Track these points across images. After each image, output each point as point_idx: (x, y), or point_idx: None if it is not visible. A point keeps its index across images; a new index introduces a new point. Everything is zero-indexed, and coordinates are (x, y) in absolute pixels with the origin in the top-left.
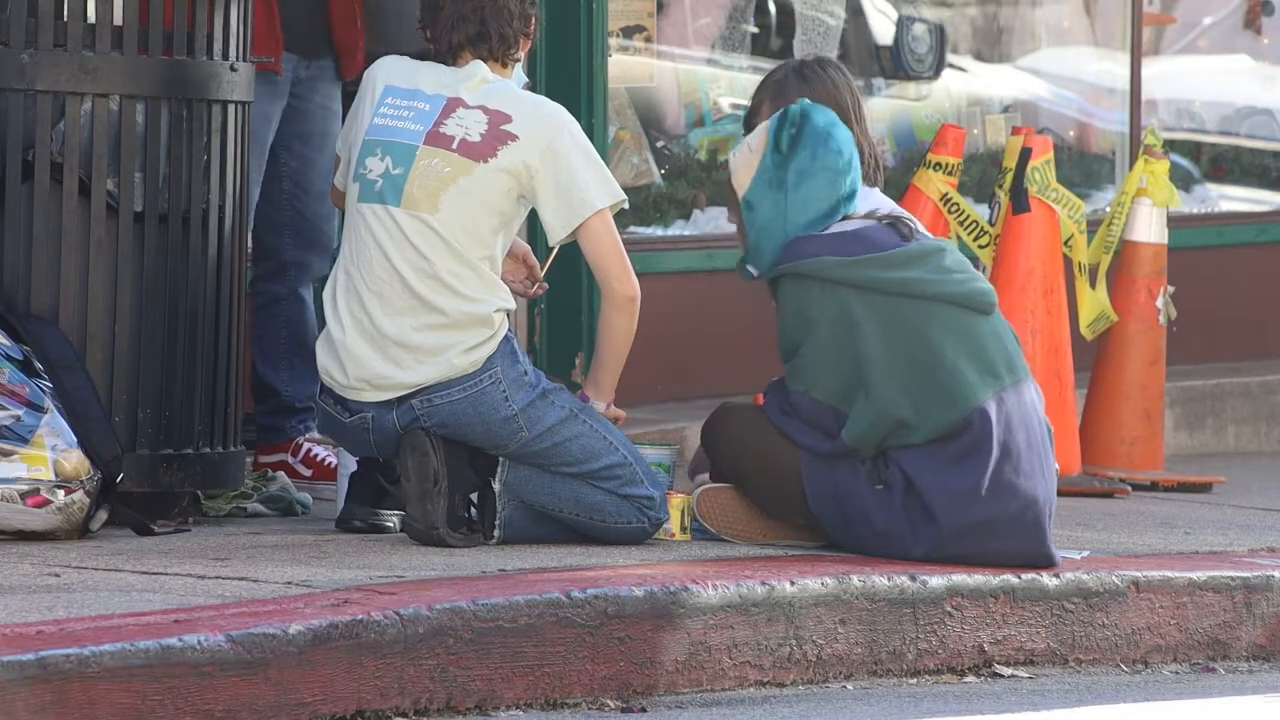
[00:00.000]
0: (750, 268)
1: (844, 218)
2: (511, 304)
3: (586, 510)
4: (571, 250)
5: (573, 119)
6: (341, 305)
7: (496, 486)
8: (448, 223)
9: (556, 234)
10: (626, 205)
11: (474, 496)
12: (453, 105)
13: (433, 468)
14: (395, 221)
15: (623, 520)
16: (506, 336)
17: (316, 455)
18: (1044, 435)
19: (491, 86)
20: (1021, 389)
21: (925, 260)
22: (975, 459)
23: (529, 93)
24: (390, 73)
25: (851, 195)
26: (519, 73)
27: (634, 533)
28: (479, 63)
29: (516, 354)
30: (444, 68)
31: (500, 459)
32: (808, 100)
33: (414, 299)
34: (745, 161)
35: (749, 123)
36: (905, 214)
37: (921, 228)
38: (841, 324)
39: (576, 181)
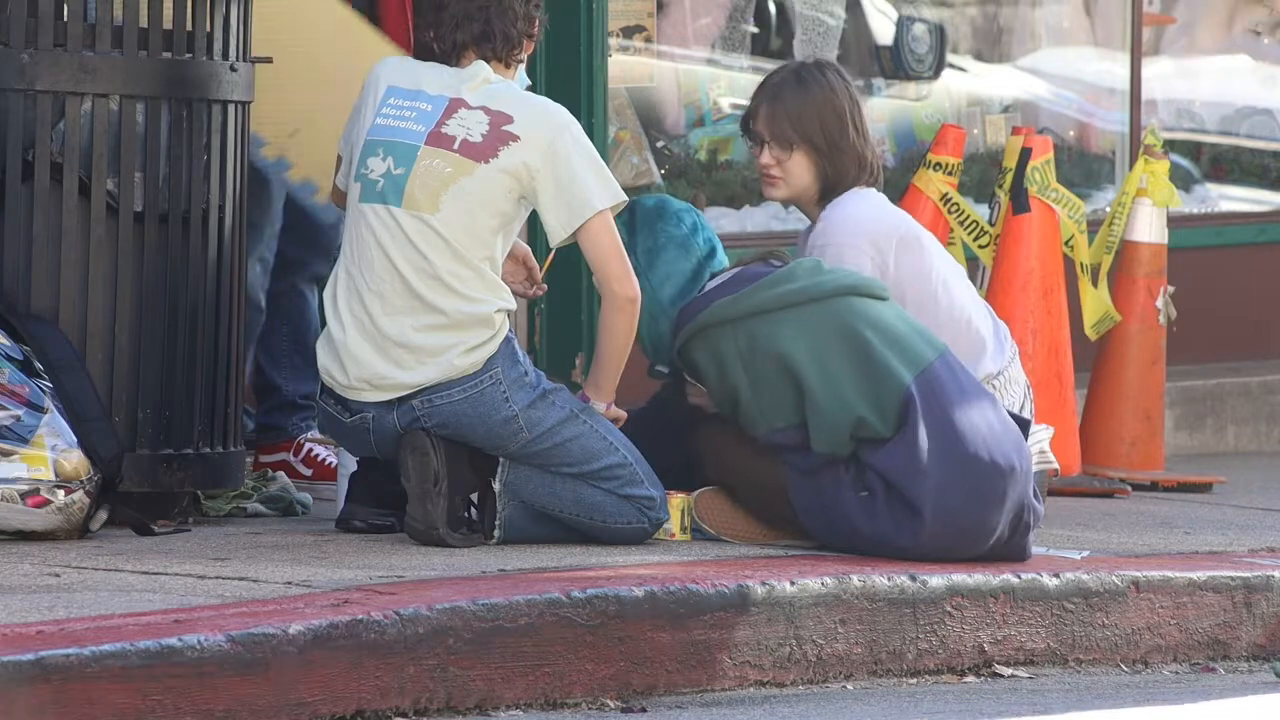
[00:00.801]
0: (660, 368)
1: (712, 275)
2: (512, 304)
3: (587, 510)
4: (571, 251)
5: (574, 120)
6: (342, 305)
7: (496, 486)
8: (448, 223)
9: (557, 235)
10: (626, 200)
11: (474, 496)
12: (455, 106)
13: (433, 468)
14: (396, 221)
15: (623, 520)
16: (507, 337)
17: (317, 455)
18: (991, 399)
19: (493, 87)
20: (948, 360)
21: (806, 271)
22: (937, 434)
23: (531, 93)
24: (392, 73)
25: (711, 253)
26: (521, 74)
27: (634, 533)
28: (481, 63)
29: (517, 354)
30: (446, 68)
31: (500, 459)
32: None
33: (415, 299)
34: None
35: (746, 125)
36: (777, 249)
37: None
38: (761, 354)
39: (578, 182)
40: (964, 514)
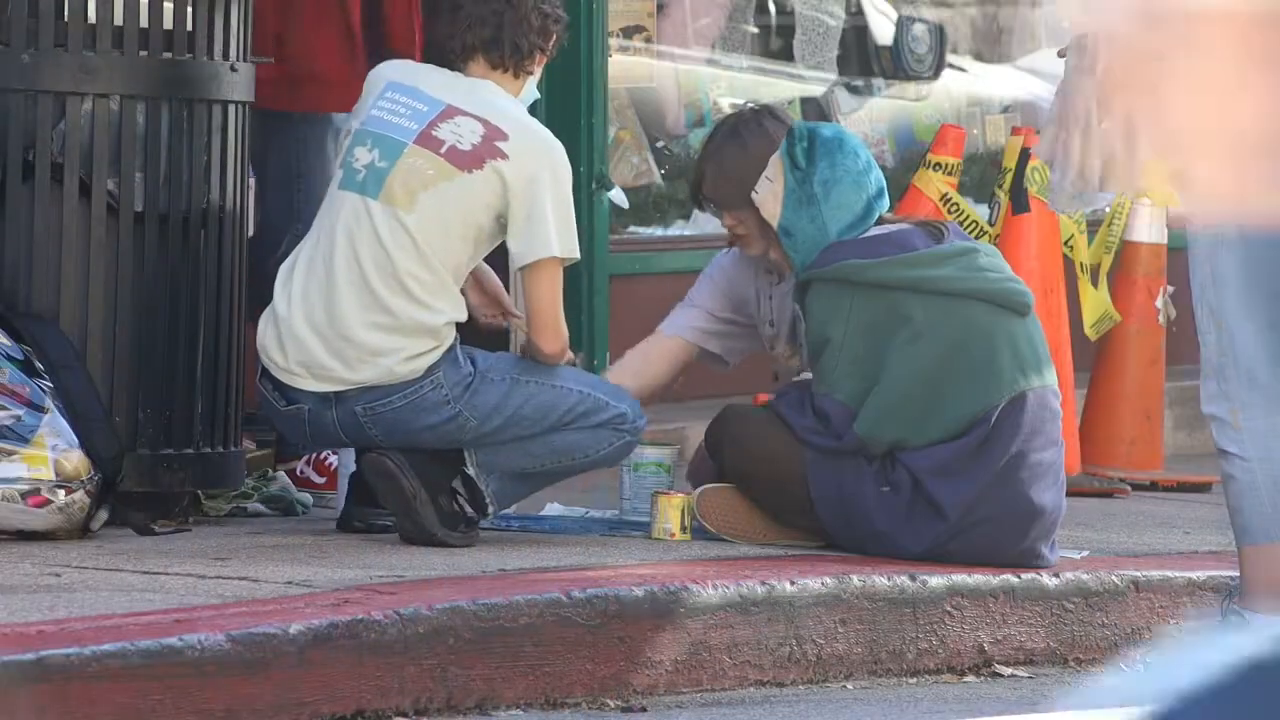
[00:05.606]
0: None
1: (880, 218)
2: (463, 315)
3: (566, 454)
4: None
5: (565, 158)
6: (296, 285)
7: (471, 470)
8: (421, 223)
9: (514, 261)
10: (578, 258)
11: (457, 485)
12: (451, 111)
13: (405, 489)
14: (369, 213)
15: (603, 447)
16: (451, 345)
17: (330, 463)
18: (1059, 447)
19: (496, 101)
20: (1046, 396)
21: (955, 259)
22: (990, 456)
23: (532, 118)
24: (394, 71)
25: (880, 193)
26: (530, 88)
27: (618, 452)
28: (489, 82)
29: (458, 359)
30: (451, 74)
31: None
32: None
33: (368, 294)
34: (769, 192)
35: (697, 192)
36: (946, 221)
37: (961, 232)
38: (866, 327)
39: (542, 222)
40: (985, 529)
